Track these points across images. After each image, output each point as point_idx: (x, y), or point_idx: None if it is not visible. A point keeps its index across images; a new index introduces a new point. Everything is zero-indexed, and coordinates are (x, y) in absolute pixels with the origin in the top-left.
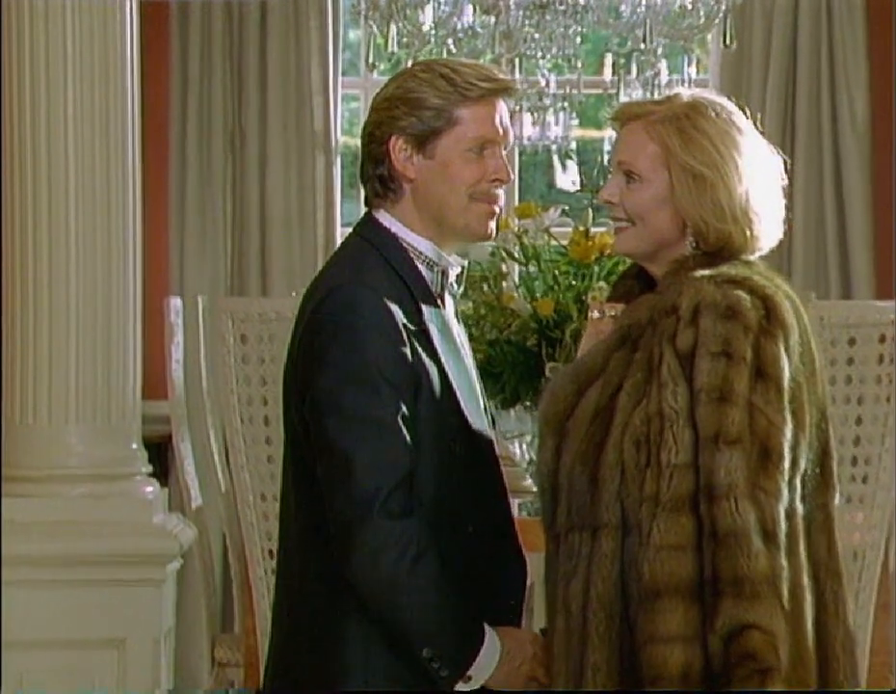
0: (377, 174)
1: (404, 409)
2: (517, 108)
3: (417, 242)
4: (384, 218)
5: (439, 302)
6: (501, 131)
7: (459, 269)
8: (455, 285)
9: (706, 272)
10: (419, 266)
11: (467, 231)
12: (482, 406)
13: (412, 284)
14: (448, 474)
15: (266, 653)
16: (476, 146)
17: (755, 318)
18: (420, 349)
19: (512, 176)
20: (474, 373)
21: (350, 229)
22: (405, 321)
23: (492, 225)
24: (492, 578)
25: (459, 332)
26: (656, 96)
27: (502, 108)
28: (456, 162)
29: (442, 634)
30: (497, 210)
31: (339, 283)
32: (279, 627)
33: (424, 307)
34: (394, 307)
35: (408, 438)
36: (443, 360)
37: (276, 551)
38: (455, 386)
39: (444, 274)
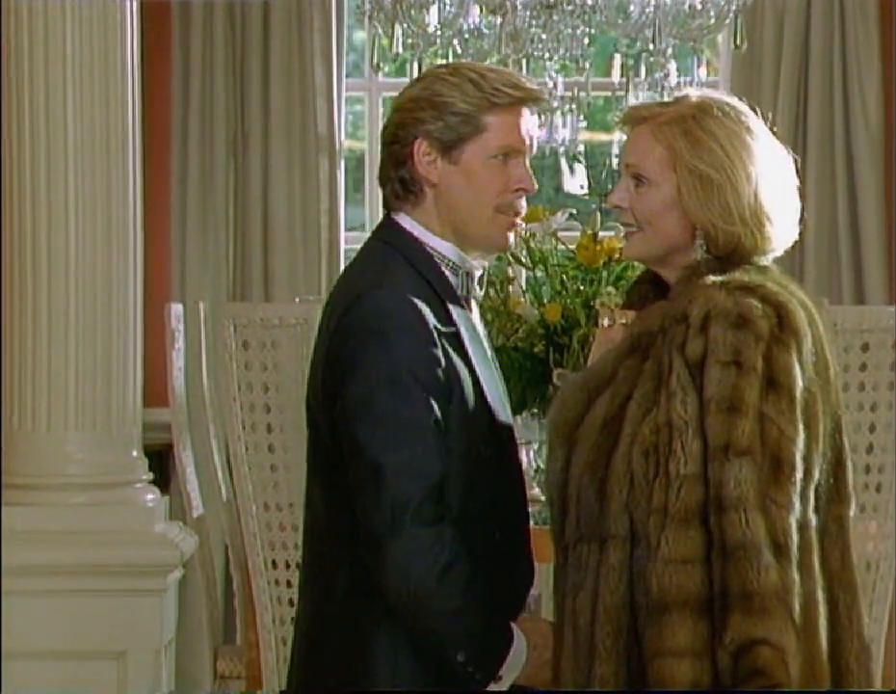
0: (398, 176)
1: (437, 413)
2: None
3: (440, 246)
4: (405, 221)
5: (465, 304)
6: (527, 140)
7: (481, 271)
8: (476, 287)
9: (718, 278)
10: (444, 270)
11: (487, 242)
12: (507, 407)
13: (439, 287)
14: (476, 478)
15: (271, 662)
16: (501, 154)
17: (767, 327)
18: (452, 351)
19: (536, 187)
20: (497, 374)
21: (354, 234)
22: (435, 323)
23: (512, 236)
24: (504, 582)
25: (484, 333)
26: (665, 98)
27: (528, 117)
28: (480, 169)
29: (475, 638)
30: (519, 222)
31: (367, 288)
32: (305, 634)
33: (452, 310)
34: (424, 309)
35: (439, 443)
36: (474, 362)
37: (282, 561)
38: (485, 388)
39: (469, 276)
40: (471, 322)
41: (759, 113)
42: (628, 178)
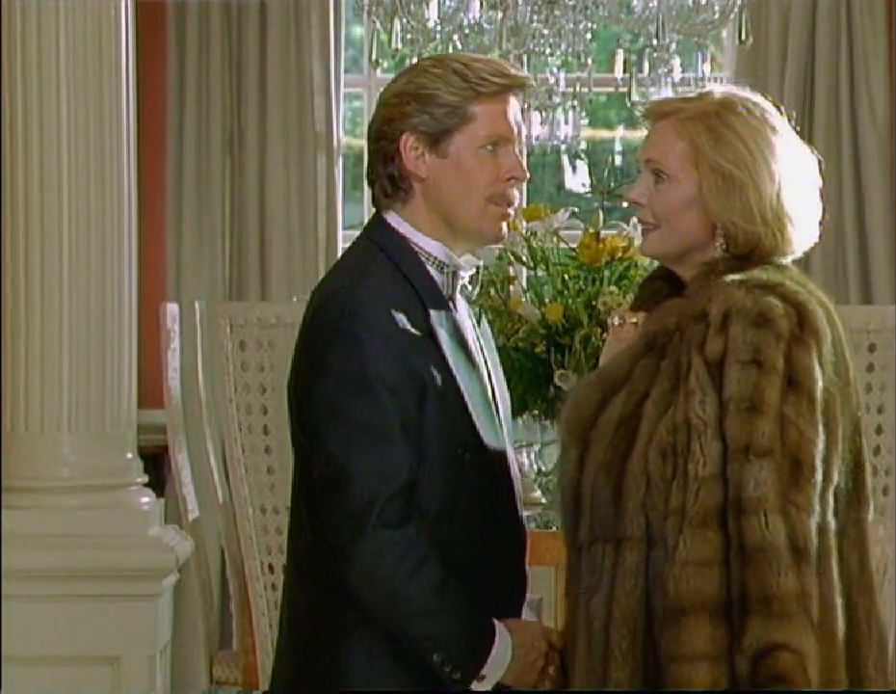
0: (387, 174)
1: (405, 417)
2: (525, 106)
3: (427, 244)
4: (394, 219)
5: (452, 304)
6: (515, 128)
7: (472, 270)
8: (468, 287)
9: (737, 277)
10: (429, 269)
11: (479, 235)
12: (497, 412)
13: (421, 288)
14: (457, 483)
15: (268, 668)
16: (490, 144)
17: (787, 326)
18: (427, 355)
19: (527, 174)
20: (493, 377)
21: (352, 232)
22: (410, 326)
23: (504, 227)
24: (494, 586)
25: (475, 335)
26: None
27: (515, 104)
28: (470, 161)
29: (450, 638)
30: (511, 212)
31: (340, 287)
32: (285, 641)
33: (433, 312)
34: (398, 313)
35: (408, 446)
36: (452, 365)
37: (279, 565)
38: (464, 393)
39: (455, 276)
40: (456, 324)
41: (783, 112)
42: (648, 174)
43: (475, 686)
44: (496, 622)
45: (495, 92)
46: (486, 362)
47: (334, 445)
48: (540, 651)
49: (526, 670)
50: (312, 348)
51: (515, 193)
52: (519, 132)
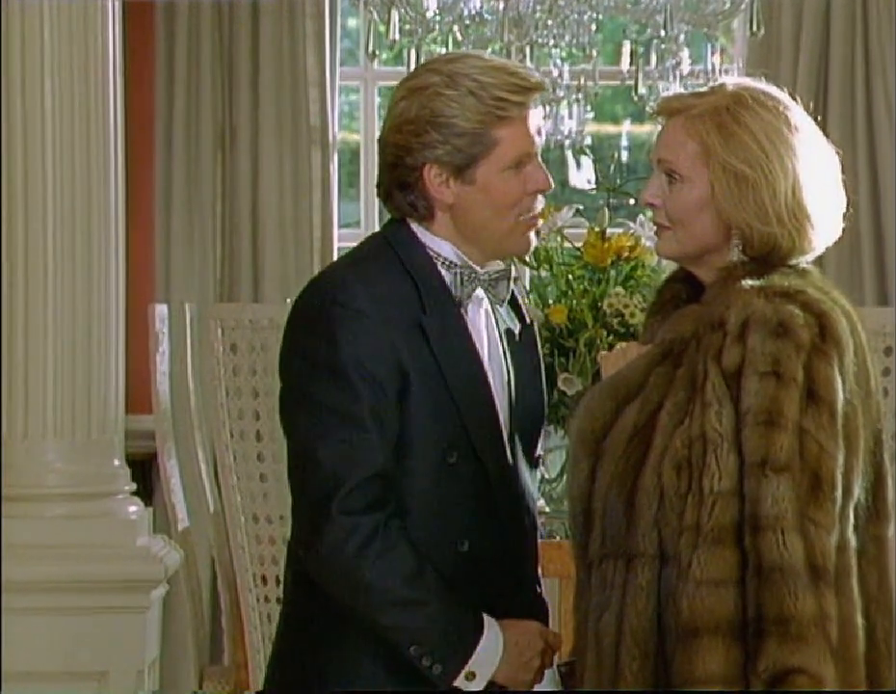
0: (407, 201)
1: (381, 405)
2: None
3: (437, 245)
4: (415, 226)
5: (461, 305)
6: (537, 140)
7: (495, 275)
8: (506, 290)
9: (756, 283)
10: (439, 268)
11: (509, 249)
12: (511, 422)
13: (423, 285)
14: (439, 483)
15: (260, 683)
16: (515, 164)
17: (808, 336)
18: (414, 350)
19: (552, 184)
20: (513, 385)
21: (348, 231)
22: (399, 319)
23: (534, 237)
24: (499, 610)
25: (498, 339)
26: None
27: (534, 115)
28: (497, 184)
29: (426, 630)
30: (539, 222)
31: (327, 271)
32: (277, 636)
33: (431, 310)
34: (386, 303)
35: (382, 435)
36: (443, 365)
37: (272, 576)
38: (456, 394)
39: (463, 275)
40: (462, 324)
41: (800, 103)
42: (661, 174)
43: (466, 685)
44: (486, 617)
45: (516, 113)
46: (508, 370)
47: (302, 429)
48: (536, 649)
49: (520, 669)
50: (289, 330)
51: (540, 201)
52: (539, 136)
